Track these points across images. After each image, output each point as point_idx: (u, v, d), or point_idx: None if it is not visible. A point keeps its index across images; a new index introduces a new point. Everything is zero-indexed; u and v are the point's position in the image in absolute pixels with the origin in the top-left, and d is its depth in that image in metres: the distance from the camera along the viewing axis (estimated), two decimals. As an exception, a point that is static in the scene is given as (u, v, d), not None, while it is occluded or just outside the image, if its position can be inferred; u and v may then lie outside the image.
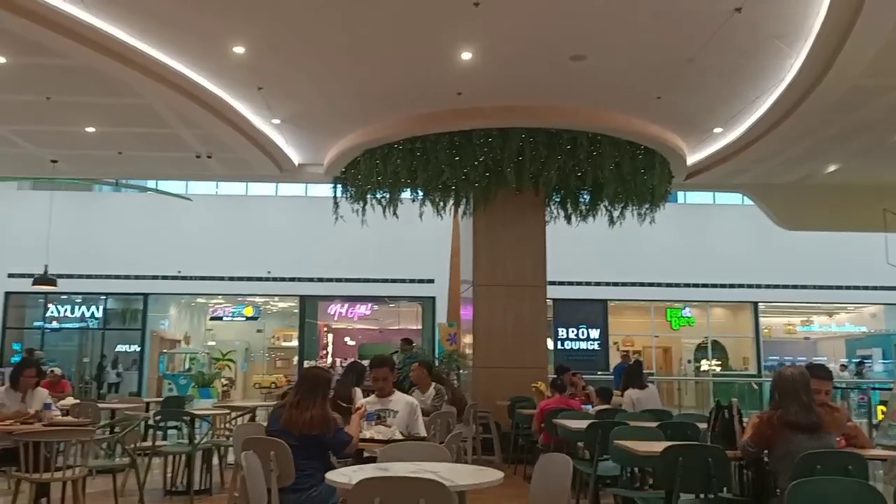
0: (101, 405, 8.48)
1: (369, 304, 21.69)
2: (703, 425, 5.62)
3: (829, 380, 4.79)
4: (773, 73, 8.17)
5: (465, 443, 8.11)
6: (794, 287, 19.55)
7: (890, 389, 9.94)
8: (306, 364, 19.64)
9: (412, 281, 19.34)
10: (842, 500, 2.94)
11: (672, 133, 10.27)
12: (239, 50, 7.84)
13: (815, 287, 19.55)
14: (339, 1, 6.79)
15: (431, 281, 18.42)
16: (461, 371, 11.30)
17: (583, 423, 6.06)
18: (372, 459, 4.38)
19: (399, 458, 3.99)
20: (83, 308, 20.20)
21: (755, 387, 18.65)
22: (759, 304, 20.23)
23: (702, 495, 4.71)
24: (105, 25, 7.26)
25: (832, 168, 11.64)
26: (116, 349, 20.18)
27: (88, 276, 19.01)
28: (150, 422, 7.88)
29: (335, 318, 22.24)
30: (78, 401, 8.57)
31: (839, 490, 3.07)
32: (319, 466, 4.02)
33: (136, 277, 19.34)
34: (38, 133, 10.80)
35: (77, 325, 20.25)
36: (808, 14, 6.81)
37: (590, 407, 7.96)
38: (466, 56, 7.96)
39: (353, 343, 22.99)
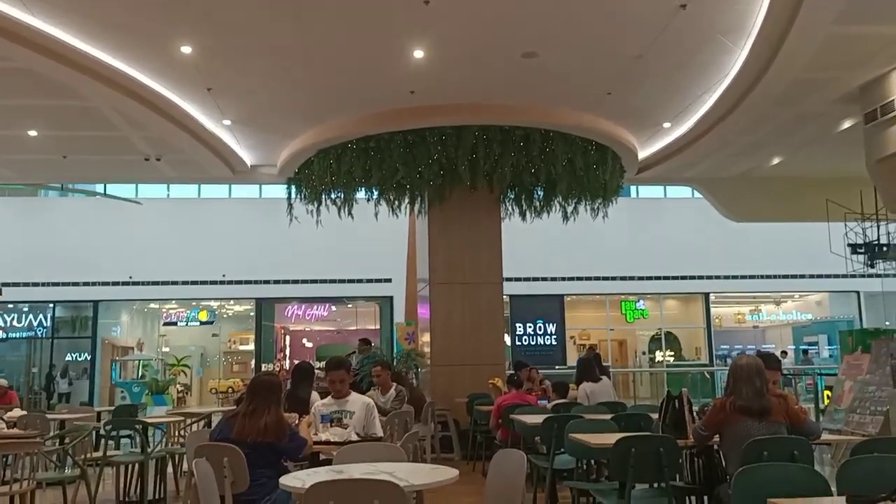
0: (49, 416, 8.25)
1: (326, 305, 21.56)
2: (655, 416, 5.71)
3: (777, 369, 4.95)
4: (718, 68, 8.34)
5: (423, 441, 8.12)
6: (743, 277, 20.08)
7: (835, 375, 10.25)
8: (263, 367, 19.45)
9: (369, 281, 19.29)
10: (786, 485, 3.02)
11: (623, 129, 10.42)
12: (186, 50, 7.70)
13: (762, 277, 20.11)
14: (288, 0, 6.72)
15: (389, 280, 18.40)
16: (419, 370, 11.30)
17: (539, 418, 6.12)
18: (328, 462, 4.35)
19: (355, 459, 3.97)
20: (30, 317, 19.66)
21: (707, 376, 19.08)
22: (710, 294, 20.71)
23: (655, 484, 4.81)
24: (46, 27, 7.07)
25: (777, 160, 11.95)
26: (66, 358, 19.68)
27: (35, 284, 18.52)
28: (102, 431, 7.69)
29: (292, 320, 22.06)
30: (25, 412, 8.32)
31: (784, 475, 3.16)
32: (273, 474, 3.97)
33: (86, 284, 18.90)
34: (-22, 137, 10.47)
35: (25, 334, 19.71)
36: (750, 10, 6.97)
37: (546, 402, 8.03)
38: (419, 54, 7.95)
39: (310, 345, 22.80)
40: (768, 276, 20.12)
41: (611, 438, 4.54)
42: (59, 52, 7.42)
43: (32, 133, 10.23)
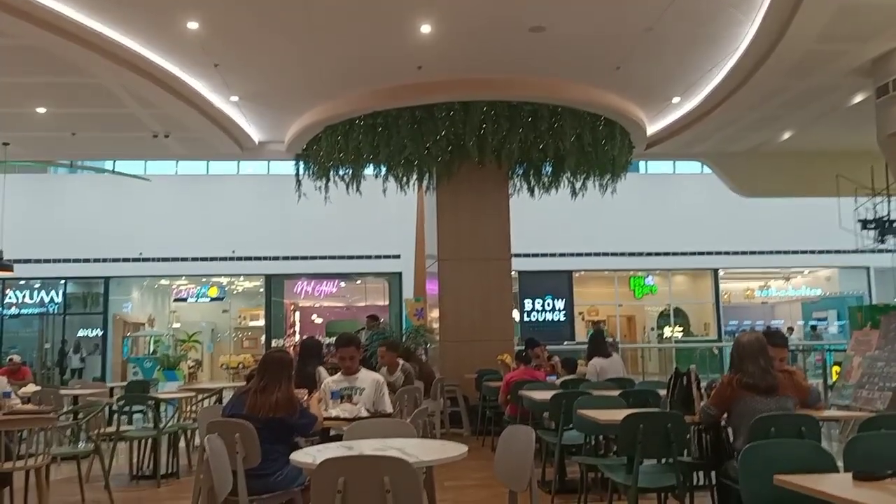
0: (63, 391, 8.36)
1: (335, 282, 21.63)
2: (663, 392, 5.73)
3: (784, 346, 4.94)
4: (728, 41, 8.24)
5: (432, 417, 8.19)
6: (753, 253, 19.99)
7: (844, 351, 10.24)
8: (274, 343, 19.58)
9: (378, 257, 19.32)
10: (793, 462, 3.03)
11: (631, 103, 10.34)
12: (193, 25, 7.66)
13: (772, 252, 20.01)
14: (293, -25, 6.67)
15: (397, 256, 18.42)
16: (429, 346, 11.36)
17: (547, 394, 6.15)
18: (338, 438, 4.40)
19: (365, 435, 4.01)
20: (42, 293, 19.82)
21: (715, 352, 19.08)
22: (719, 270, 20.65)
23: (662, 460, 4.84)
24: (53, 3, 7.04)
25: (787, 135, 11.84)
26: (78, 334, 19.86)
27: (47, 261, 18.65)
28: (114, 407, 7.80)
29: (301, 297, 22.15)
30: (39, 388, 8.43)
31: (791, 452, 3.17)
32: (284, 450, 4.02)
33: (97, 261, 19.01)
34: (-13, 115, 10.50)
35: (37, 310, 19.87)
36: (761, -17, 6.88)
37: (555, 377, 8.07)
38: (426, 29, 7.89)
39: (320, 321, 22.92)
40: (777, 252, 20.02)
41: (619, 415, 4.56)
42: (66, 29, 7.40)
43: (41, 110, 10.24)
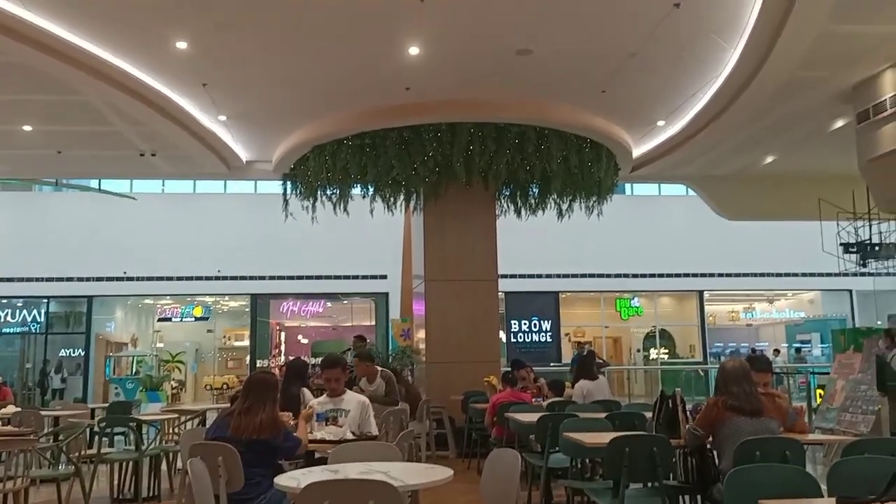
0: (43, 412, 8.24)
1: (322, 302, 21.55)
2: (649, 415, 5.74)
3: (768, 371, 5.00)
4: (712, 66, 8.36)
5: (418, 439, 8.14)
6: (737, 275, 20.15)
7: (827, 373, 10.30)
8: (259, 364, 19.44)
9: (365, 277, 19.28)
10: (778, 486, 3.05)
11: (617, 126, 10.44)
12: (182, 45, 7.68)
13: (756, 275, 20.18)
14: (283, -3, 6.72)
15: (384, 277, 18.39)
16: (415, 366, 11.31)
17: (534, 417, 6.14)
18: (323, 460, 4.36)
19: (350, 458, 3.98)
20: (24, 312, 19.60)
21: (701, 373, 19.14)
22: (704, 292, 20.77)
23: (648, 484, 4.84)
24: (42, 21, 7.04)
25: (770, 159, 11.98)
26: (60, 354, 19.62)
27: (30, 279, 18.47)
28: (96, 429, 7.69)
29: (287, 317, 22.04)
30: (19, 409, 8.31)
31: (775, 476, 3.18)
32: (267, 473, 3.97)
33: (80, 279, 18.85)
34: (-29, 133, 10.43)
35: (18, 329, 19.64)
36: (744, 8, 6.99)
37: (541, 400, 8.06)
38: (414, 51, 7.95)
39: (305, 341, 22.80)
40: (762, 275, 20.19)
41: (605, 437, 4.56)
42: (54, 48, 7.39)
43: (27, 128, 10.19)
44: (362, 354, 7.67)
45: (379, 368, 7.59)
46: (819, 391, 10.53)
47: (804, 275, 19.87)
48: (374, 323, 20.37)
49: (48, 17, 7.04)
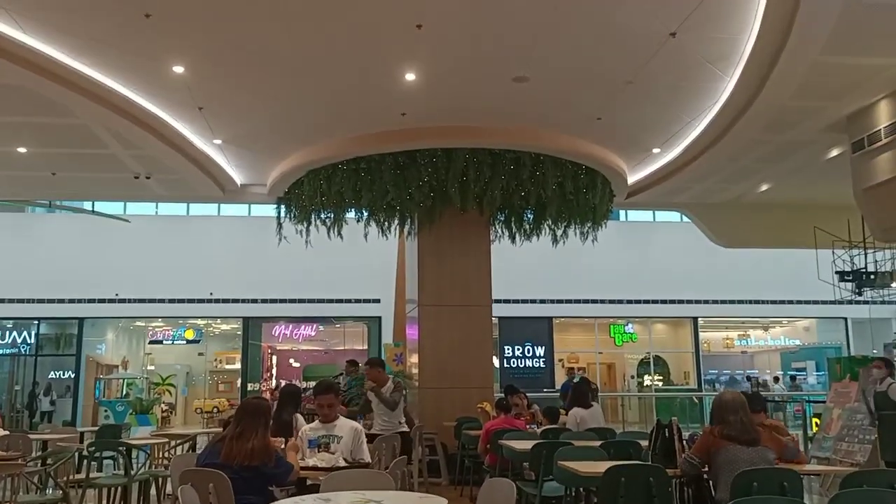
0: (32, 436, 8.13)
1: (314, 325, 21.44)
2: (644, 443, 5.69)
3: (762, 411, 5.05)
4: (707, 94, 8.42)
5: (410, 465, 8.04)
6: (732, 302, 20.14)
7: (823, 402, 10.25)
8: (250, 387, 19.28)
9: (357, 301, 19.21)
10: (777, 519, 3.01)
11: (612, 153, 10.48)
12: (178, 69, 7.69)
13: (751, 302, 20.18)
14: (283, 22, 6.74)
15: (377, 301, 18.33)
16: (407, 392, 11.21)
17: (527, 444, 6.08)
18: (315, 487, 4.30)
19: (342, 486, 3.91)
20: (14, 334, 19.42)
21: (696, 401, 19.05)
22: (699, 318, 20.74)
23: (645, 514, 4.77)
24: (38, 44, 7.05)
25: (765, 187, 12.04)
26: (50, 376, 19.42)
27: (20, 301, 18.33)
28: (85, 452, 7.58)
29: (279, 340, 21.90)
30: (7, 432, 8.19)
31: (774, 508, 3.15)
32: (259, 501, 3.92)
33: (71, 301, 18.70)
34: (-34, 153, 10.40)
35: (8, 351, 19.44)
36: (739, 38, 7.05)
37: (535, 426, 7.98)
38: (410, 77, 7.98)
39: (297, 365, 22.63)
40: (757, 302, 20.20)
41: (600, 466, 4.51)
42: (50, 70, 7.39)
43: (21, 150, 10.17)
44: (373, 360, 7.69)
45: (389, 377, 7.65)
46: (815, 420, 10.48)
47: (799, 302, 19.88)
48: (366, 347, 20.25)
49: (45, 41, 7.05)
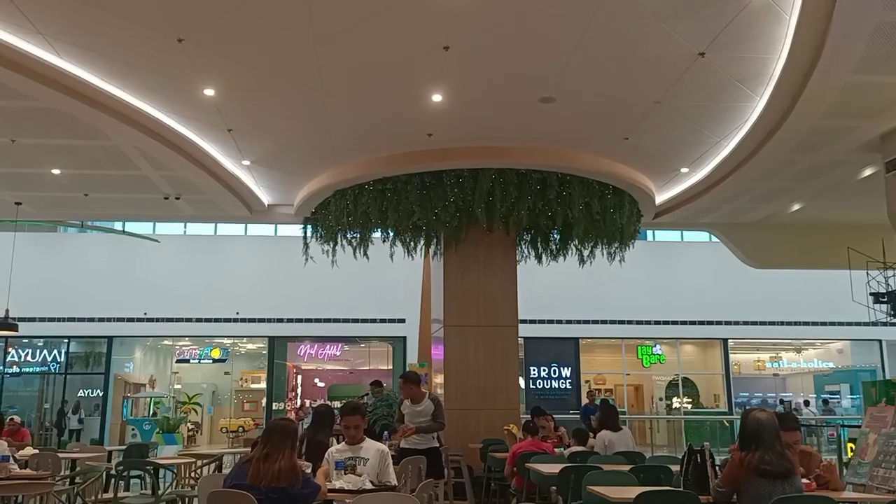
0: (61, 455, 8.20)
1: (339, 345, 21.47)
2: (675, 467, 5.57)
3: (797, 430, 4.84)
4: (737, 114, 8.34)
5: (436, 488, 7.96)
6: (763, 324, 19.81)
7: (858, 426, 10.00)
8: (275, 407, 19.31)
9: (383, 321, 19.20)
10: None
11: (640, 173, 10.41)
12: (209, 92, 7.81)
13: (783, 323, 19.82)
14: (311, 44, 6.82)
15: (402, 321, 18.30)
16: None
17: (555, 468, 5.99)
18: (342, 511, 4.26)
19: (369, 510, 3.87)
20: (45, 352, 19.68)
21: (726, 424, 18.71)
22: (729, 340, 20.41)
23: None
24: (73, 68, 7.20)
25: (797, 207, 11.86)
26: (79, 394, 19.63)
27: (51, 319, 18.60)
28: (113, 472, 7.62)
29: (305, 359, 21.95)
30: (37, 451, 8.26)
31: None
32: (286, 523, 3.89)
33: (101, 320, 18.94)
34: (2, 175, 10.63)
35: (38, 369, 19.70)
36: (769, 58, 6.98)
37: (563, 449, 7.87)
38: (437, 98, 8.02)
39: (322, 384, 22.65)
40: (788, 323, 19.83)
41: (630, 492, 4.42)
42: (83, 93, 7.54)
43: (56, 171, 10.36)
44: (408, 376, 7.51)
45: (427, 391, 7.49)
46: (851, 445, 10.22)
47: (832, 324, 19.48)
48: (391, 367, 20.21)
49: (79, 64, 7.20)
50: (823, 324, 19.67)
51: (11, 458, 6.31)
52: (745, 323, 19.75)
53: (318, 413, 6.53)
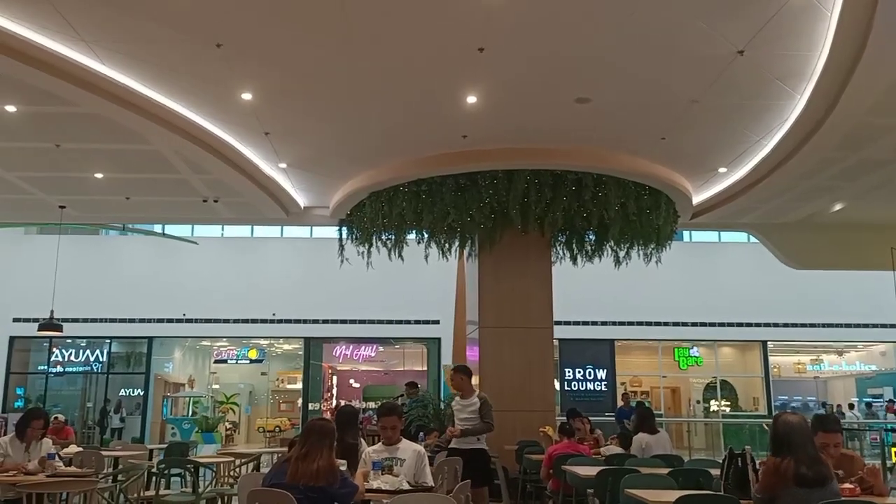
0: (104, 453, 8.38)
1: (374, 346, 21.59)
2: (714, 471, 5.50)
3: (839, 432, 4.71)
4: (776, 112, 8.20)
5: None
6: (803, 325, 19.41)
7: (904, 431, 9.77)
8: (310, 407, 19.49)
9: (417, 322, 19.25)
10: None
11: (677, 173, 10.29)
12: (247, 96, 7.92)
13: (824, 325, 19.40)
14: (346, 47, 6.88)
15: (437, 322, 18.32)
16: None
17: (592, 470, 5.95)
18: (379, 510, 4.29)
19: (407, 510, 3.89)
20: (87, 352, 20.13)
21: (766, 428, 18.36)
22: (768, 342, 20.06)
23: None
24: (115, 74, 7.36)
25: (838, 206, 11.62)
26: (120, 393, 20.04)
27: (93, 320, 19.01)
28: (154, 470, 7.76)
29: (340, 360, 22.12)
30: (81, 448, 8.46)
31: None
32: (325, 522, 3.93)
33: (141, 321, 19.31)
34: (47, 179, 10.88)
35: (81, 368, 20.16)
36: (810, 55, 6.85)
37: (601, 448, 7.82)
38: (472, 100, 8.02)
39: (357, 385, 22.81)
40: (830, 325, 19.40)
41: (670, 496, 4.38)
42: (126, 99, 7.70)
43: (98, 175, 10.59)
44: (461, 367, 7.50)
45: (477, 388, 7.48)
46: (894, 449, 9.98)
47: (875, 326, 19.04)
48: (426, 368, 20.27)
49: (122, 71, 7.35)
50: (866, 325, 19.23)
51: (57, 456, 6.48)
52: (785, 325, 19.38)
53: (343, 414, 6.52)
